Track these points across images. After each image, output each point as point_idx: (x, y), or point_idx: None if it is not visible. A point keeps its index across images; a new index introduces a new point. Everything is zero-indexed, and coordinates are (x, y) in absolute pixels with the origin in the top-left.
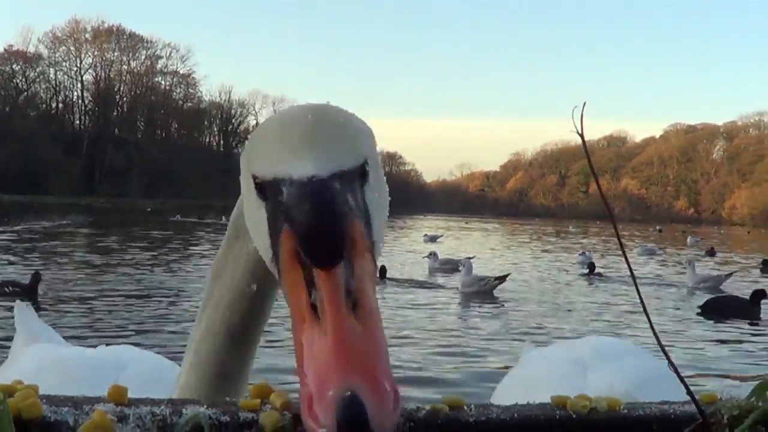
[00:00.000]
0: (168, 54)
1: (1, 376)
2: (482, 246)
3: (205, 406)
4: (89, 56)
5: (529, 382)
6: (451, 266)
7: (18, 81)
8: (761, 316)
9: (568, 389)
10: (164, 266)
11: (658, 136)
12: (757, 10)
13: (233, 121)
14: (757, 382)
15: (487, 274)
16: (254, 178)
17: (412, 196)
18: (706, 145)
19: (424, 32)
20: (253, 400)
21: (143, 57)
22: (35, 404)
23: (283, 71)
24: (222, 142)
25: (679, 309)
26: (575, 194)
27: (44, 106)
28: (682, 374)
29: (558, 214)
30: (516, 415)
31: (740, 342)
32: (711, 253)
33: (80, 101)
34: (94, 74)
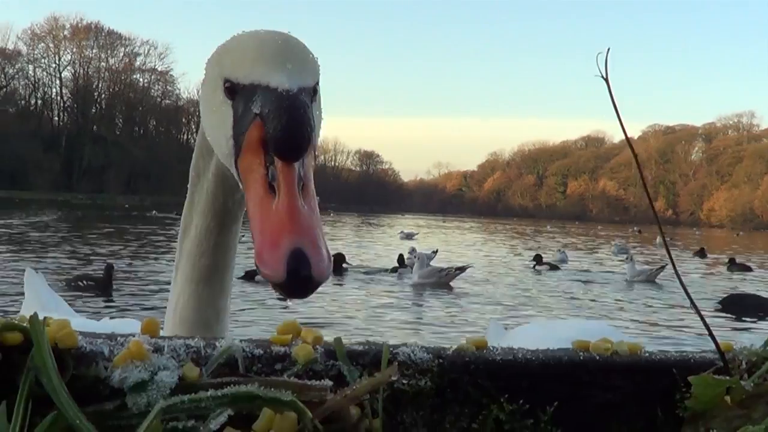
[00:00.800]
0: (146, 51)
1: None
2: (456, 242)
3: (239, 340)
4: (68, 53)
5: None
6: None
7: None
8: None
9: None
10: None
11: (636, 137)
12: (736, 11)
13: None
14: None
15: (445, 266)
16: (226, 81)
17: (390, 195)
18: (684, 146)
19: (403, 31)
20: (284, 336)
21: (121, 54)
22: (71, 334)
23: None
24: None
25: (619, 299)
26: (553, 195)
27: (23, 102)
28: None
29: (536, 214)
30: (540, 355)
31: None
32: (701, 253)
33: (59, 98)
34: (72, 71)
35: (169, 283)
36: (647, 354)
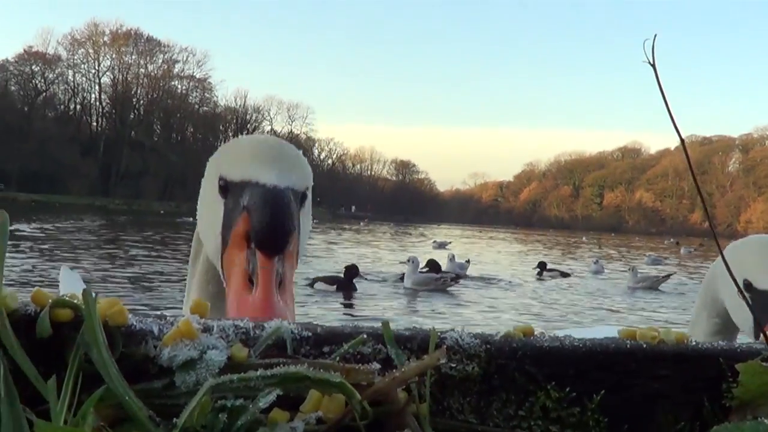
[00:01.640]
0: (185, 58)
1: None
2: (488, 252)
3: (288, 322)
4: (107, 59)
5: None
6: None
7: (37, 82)
8: None
9: None
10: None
11: (673, 148)
12: None
13: (248, 126)
14: None
15: (444, 271)
16: (220, 179)
17: (425, 205)
18: (721, 157)
19: (440, 42)
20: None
21: (160, 61)
22: (121, 312)
23: (298, 78)
24: None
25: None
26: (589, 206)
27: (62, 107)
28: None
29: (572, 225)
30: (588, 343)
31: None
32: None
33: (98, 103)
34: (111, 77)
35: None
36: (694, 343)
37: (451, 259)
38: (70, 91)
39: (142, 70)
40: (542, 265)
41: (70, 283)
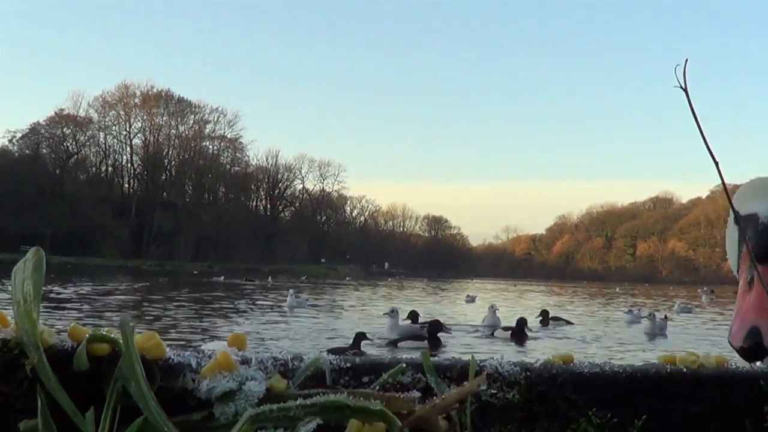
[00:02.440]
0: (216, 119)
1: None
2: (520, 305)
3: (326, 353)
4: (138, 120)
5: None
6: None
7: (68, 144)
8: None
9: None
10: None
11: (704, 197)
12: None
13: (280, 185)
14: None
15: (423, 322)
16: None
17: (458, 260)
18: None
19: (470, 97)
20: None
21: (191, 122)
22: (158, 345)
23: (329, 135)
24: (269, 206)
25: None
26: (622, 257)
27: (94, 169)
28: None
29: (605, 277)
30: (628, 369)
31: None
32: None
33: (129, 165)
34: (143, 138)
35: None
36: (734, 367)
37: (494, 311)
38: (101, 153)
39: (174, 131)
40: (545, 314)
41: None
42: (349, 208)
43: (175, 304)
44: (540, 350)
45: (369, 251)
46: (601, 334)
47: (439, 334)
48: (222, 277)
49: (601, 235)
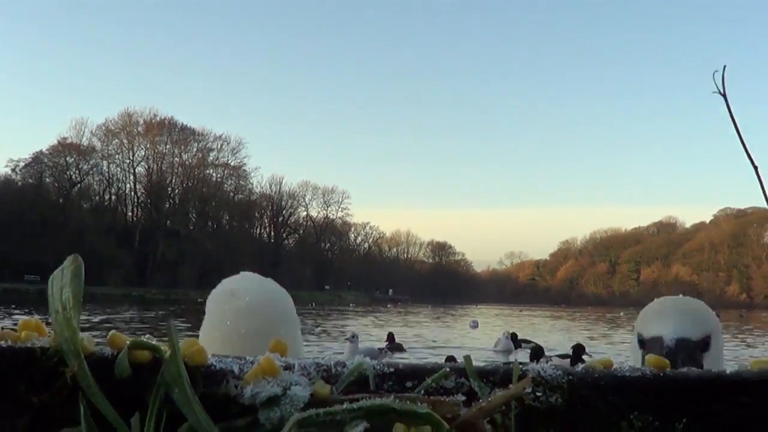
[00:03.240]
0: (219, 146)
1: None
2: (522, 331)
3: (369, 358)
4: (142, 149)
5: None
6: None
7: (72, 173)
8: None
9: None
10: None
11: (708, 221)
12: None
13: (284, 212)
14: None
15: (381, 345)
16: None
17: (462, 286)
18: (756, 229)
19: (474, 124)
20: None
21: (195, 149)
22: (201, 351)
23: (333, 162)
24: (273, 233)
25: None
26: (626, 282)
27: (97, 198)
28: None
29: (609, 302)
30: (668, 372)
31: None
32: None
33: (133, 193)
34: (146, 167)
35: None
36: None
37: (507, 336)
38: (105, 181)
39: (177, 159)
40: (513, 337)
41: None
42: (353, 235)
43: (188, 333)
44: None
45: (373, 277)
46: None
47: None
48: None
49: (605, 260)
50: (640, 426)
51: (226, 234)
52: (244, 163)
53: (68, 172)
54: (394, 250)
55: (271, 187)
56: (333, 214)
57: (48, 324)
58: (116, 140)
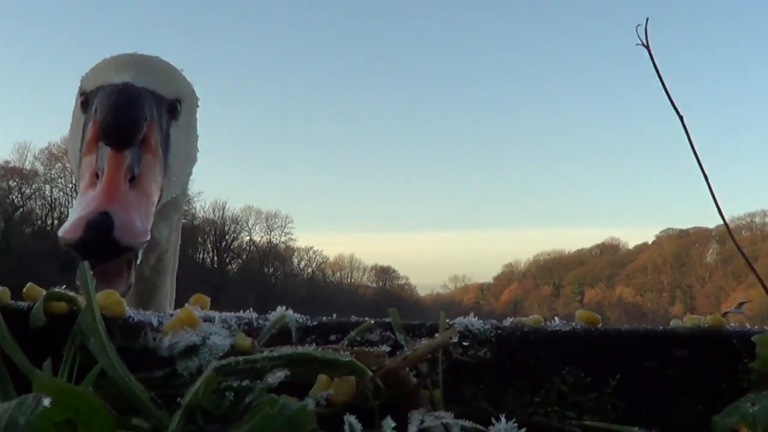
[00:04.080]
0: None
1: None
2: None
3: (292, 311)
4: None
5: None
6: None
7: (14, 197)
8: None
9: None
10: None
11: (650, 242)
12: (741, 115)
13: (227, 237)
14: None
15: None
16: (81, 95)
17: (407, 310)
18: (699, 249)
19: (416, 147)
20: None
21: None
22: (118, 302)
23: (276, 187)
24: (216, 258)
25: None
26: (570, 303)
27: (39, 222)
28: None
29: None
30: (601, 328)
31: None
32: None
33: None
34: None
35: None
36: (707, 326)
37: None
38: (47, 206)
39: None
40: None
41: None
42: (296, 260)
43: None
44: None
45: (317, 302)
46: None
47: None
48: None
49: (549, 282)
50: (572, 381)
51: None
52: (188, 188)
53: (10, 196)
54: (338, 274)
55: (214, 212)
56: (276, 239)
57: None
58: (59, 164)
